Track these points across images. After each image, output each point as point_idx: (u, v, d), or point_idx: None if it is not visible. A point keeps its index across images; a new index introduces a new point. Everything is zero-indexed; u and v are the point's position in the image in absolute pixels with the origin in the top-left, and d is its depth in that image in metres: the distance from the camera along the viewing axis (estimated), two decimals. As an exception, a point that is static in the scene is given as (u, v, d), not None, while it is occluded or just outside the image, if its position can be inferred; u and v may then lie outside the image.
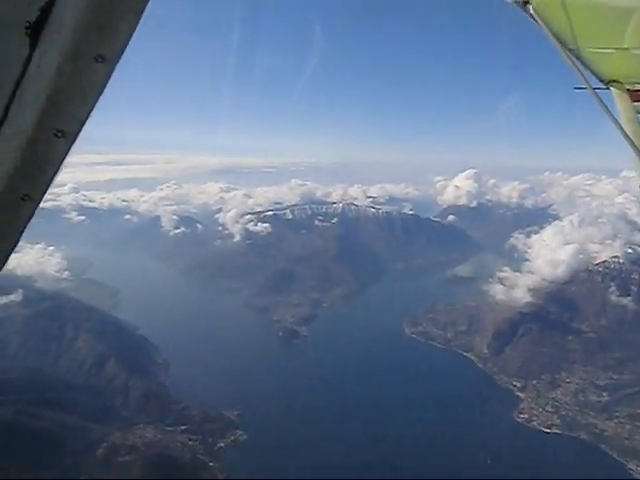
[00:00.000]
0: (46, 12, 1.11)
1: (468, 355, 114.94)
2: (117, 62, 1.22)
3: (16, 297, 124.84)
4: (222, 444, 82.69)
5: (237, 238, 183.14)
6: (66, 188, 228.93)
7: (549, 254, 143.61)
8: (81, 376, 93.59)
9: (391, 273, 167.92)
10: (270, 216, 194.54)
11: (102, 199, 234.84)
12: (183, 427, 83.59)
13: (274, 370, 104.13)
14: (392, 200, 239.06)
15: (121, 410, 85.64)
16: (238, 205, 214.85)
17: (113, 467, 70.55)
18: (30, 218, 1.48)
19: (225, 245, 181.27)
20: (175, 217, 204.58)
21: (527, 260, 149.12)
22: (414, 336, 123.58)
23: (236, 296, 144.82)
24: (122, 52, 1.20)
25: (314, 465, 75.07)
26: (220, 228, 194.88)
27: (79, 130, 1.28)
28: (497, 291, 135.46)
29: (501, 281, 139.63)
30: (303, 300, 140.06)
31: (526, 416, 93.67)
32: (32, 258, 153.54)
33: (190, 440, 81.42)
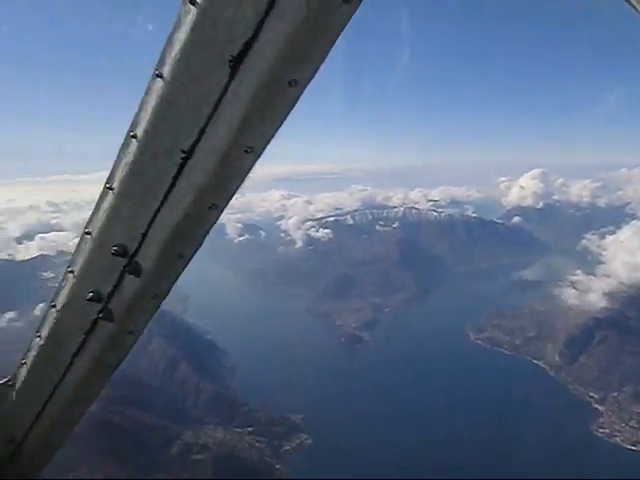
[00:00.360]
0: (248, 46, 1.22)
1: (539, 363, 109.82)
2: (308, 84, 1.32)
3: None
4: (288, 447, 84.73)
5: (299, 244, 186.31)
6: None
7: (627, 256, 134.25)
8: (156, 378, 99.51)
9: (454, 277, 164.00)
10: (331, 222, 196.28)
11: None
12: (250, 429, 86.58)
13: (337, 375, 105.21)
14: (454, 203, 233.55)
15: (192, 410, 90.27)
16: (299, 212, 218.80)
17: (187, 465, 74.61)
18: (213, 224, 1.58)
19: (288, 251, 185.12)
20: (239, 225, 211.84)
21: (602, 263, 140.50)
22: (479, 342, 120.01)
23: (299, 301, 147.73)
24: (314, 75, 1.30)
25: (378, 468, 75.20)
26: (282, 235, 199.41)
27: (266, 146, 1.39)
28: (569, 295, 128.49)
29: (573, 285, 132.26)
30: (365, 305, 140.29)
31: (607, 431, 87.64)
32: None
33: (257, 442, 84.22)
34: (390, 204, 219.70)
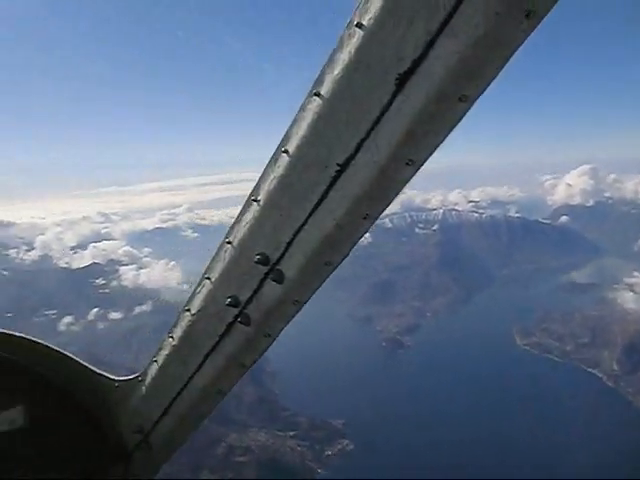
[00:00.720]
0: (417, 63, 1.22)
1: (594, 372, 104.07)
2: (478, 98, 1.29)
3: (147, 307, 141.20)
4: (329, 452, 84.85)
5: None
6: (182, 209, 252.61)
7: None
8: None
9: (498, 280, 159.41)
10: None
11: (212, 216, 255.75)
12: (292, 433, 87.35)
13: (378, 380, 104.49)
14: (495, 203, 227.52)
15: (236, 414, 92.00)
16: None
17: (231, 466, 76.22)
18: (365, 233, 1.59)
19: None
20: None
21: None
22: (527, 347, 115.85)
23: (339, 306, 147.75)
24: (485, 89, 1.27)
25: (420, 476, 73.95)
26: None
27: (427, 158, 1.39)
28: (626, 299, 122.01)
29: (631, 288, 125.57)
30: (406, 310, 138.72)
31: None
32: (158, 272, 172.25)
33: (299, 446, 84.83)
34: (429, 206, 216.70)
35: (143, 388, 2.19)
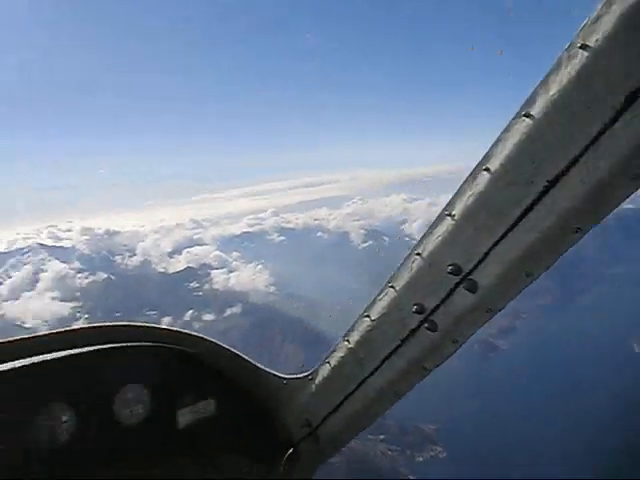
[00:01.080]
0: None
1: None
2: None
3: (237, 310, 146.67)
4: (421, 458, 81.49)
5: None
6: (267, 213, 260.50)
7: None
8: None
9: (608, 279, 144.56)
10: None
11: (297, 220, 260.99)
12: (382, 437, 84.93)
13: (470, 384, 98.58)
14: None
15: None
16: (423, 214, 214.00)
17: (322, 467, 75.39)
18: (572, 246, 1.60)
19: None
20: (362, 231, 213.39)
21: None
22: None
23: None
24: None
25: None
26: (407, 239, 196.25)
27: None
28: None
29: None
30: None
31: None
32: (246, 276, 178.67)
33: (389, 450, 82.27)
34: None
35: (313, 386, 2.31)
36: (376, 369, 2.07)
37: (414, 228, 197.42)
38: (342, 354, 2.13)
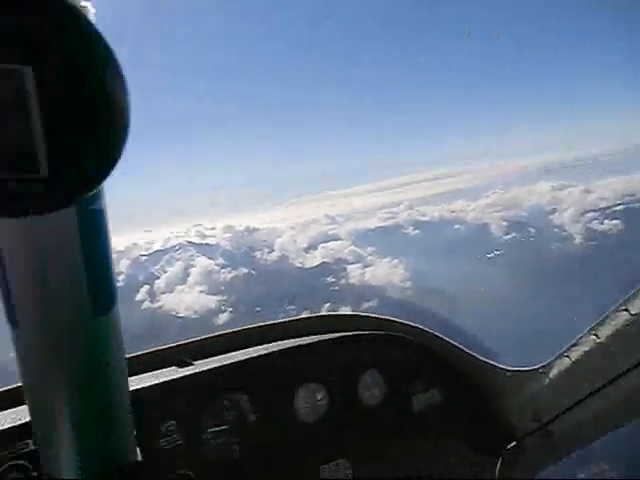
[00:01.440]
0: None
1: None
2: None
3: (373, 304, 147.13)
4: (582, 475, 72.64)
5: (578, 239, 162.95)
6: (402, 206, 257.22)
7: None
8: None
9: None
10: (620, 211, 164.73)
11: (432, 212, 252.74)
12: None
13: None
14: None
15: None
16: (576, 203, 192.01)
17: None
18: None
19: (564, 248, 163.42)
20: (504, 223, 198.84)
21: None
22: None
23: (578, 305, 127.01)
24: None
25: None
26: (556, 230, 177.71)
27: None
28: None
29: None
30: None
31: None
32: (382, 270, 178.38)
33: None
34: None
35: (547, 379, 2.23)
36: (631, 368, 1.87)
37: (565, 218, 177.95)
38: (587, 348, 2.00)
